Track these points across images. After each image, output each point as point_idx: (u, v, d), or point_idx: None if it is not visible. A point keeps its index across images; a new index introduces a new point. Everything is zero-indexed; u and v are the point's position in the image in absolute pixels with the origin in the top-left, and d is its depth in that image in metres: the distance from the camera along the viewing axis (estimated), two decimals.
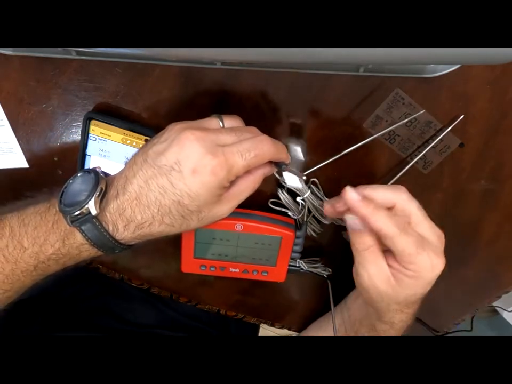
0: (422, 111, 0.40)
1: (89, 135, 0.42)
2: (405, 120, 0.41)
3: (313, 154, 0.43)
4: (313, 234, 0.47)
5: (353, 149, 0.41)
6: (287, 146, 0.40)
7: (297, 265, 0.49)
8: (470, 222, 0.48)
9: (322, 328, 0.53)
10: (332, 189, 0.44)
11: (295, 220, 0.45)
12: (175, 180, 0.31)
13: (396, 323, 0.40)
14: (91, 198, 0.31)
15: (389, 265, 0.35)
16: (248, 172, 0.34)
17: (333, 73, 0.38)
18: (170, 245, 0.48)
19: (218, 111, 0.36)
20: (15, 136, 0.43)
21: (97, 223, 0.31)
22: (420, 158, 0.43)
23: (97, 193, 0.31)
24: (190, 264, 0.47)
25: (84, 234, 0.32)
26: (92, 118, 0.41)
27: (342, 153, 0.41)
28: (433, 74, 0.38)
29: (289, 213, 0.45)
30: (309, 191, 0.43)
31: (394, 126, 0.41)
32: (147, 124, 0.41)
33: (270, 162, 0.36)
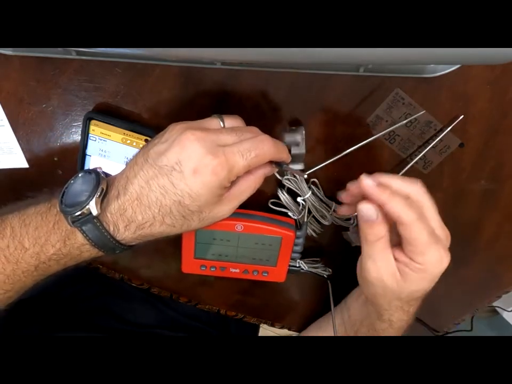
0: (422, 111, 0.40)
1: (89, 135, 0.42)
2: (405, 121, 0.41)
3: (313, 154, 0.43)
4: (314, 234, 0.47)
5: (353, 149, 0.41)
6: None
7: (298, 265, 0.49)
8: (470, 222, 0.48)
9: (322, 329, 0.53)
10: (332, 189, 0.45)
11: (295, 220, 0.45)
12: (176, 180, 0.31)
13: (394, 322, 0.40)
14: (92, 198, 0.31)
15: (396, 259, 0.35)
16: (248, 172, 0.34)
17: (333, 73, 0.38)
18: (170, 245, 0.48)
19: (219, 111, 0.36)
20: (15, 136, 0.43)
21: (98, 224, 0.31)
22: (420, 158, 0.43)
23: (98, 193, 0.31)
24: (190, 265, 0.47)
25: (84, 234, 0.32)
26: (91, 118, 0.41)
27: (342, 154, 0.41)
28: (433, 74, 0.38)
29: (290, 213, 0.45)
30: (310, 192, 0.43)
31: (394, 126, 0.41)
32: (147, 124, 0.41)
33: (271, 162, 0.36)
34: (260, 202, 0.45)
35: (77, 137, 0.43)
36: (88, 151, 0.42)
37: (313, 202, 0.44)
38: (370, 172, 0.42)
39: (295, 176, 0.42)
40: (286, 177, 0.42)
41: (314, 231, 0.47)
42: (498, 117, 0.41)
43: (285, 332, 0.59)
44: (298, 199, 0.44)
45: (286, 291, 0.54)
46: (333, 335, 0.46)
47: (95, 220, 0.31)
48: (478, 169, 0.44)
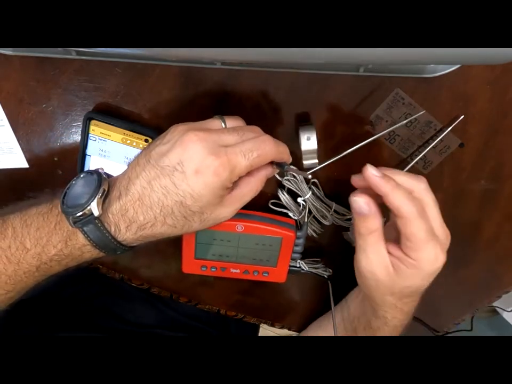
0: (422, 112, 0.40)
1: (89, 135, 0.42)
2: (405, 121, 0.41)
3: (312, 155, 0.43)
4: (314, 235, 0.47)
5: (353, 149, 0.41)
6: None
7: (298, 265, 0.49)
8: (470, 222, 0.48)
9: (322, 327, 0.53)
10: (332, 189, 0.45)
11: (295, 220, 0.45)
12: (178, 180, 0.31)
13: (389, 319, 0.40)
14: (93, 199, 0.31)
15: (390, 253, 0.35)
16: (250, 174, 0.35)
17: (333, 73, 0.38)
18: (170, 245, 0.48)
19: (219, 111, 0.36)
20: (15, 136, 0.43)
21: (99, 224, 0.31)
22: (420, 158, 0.43)
23: (100, 194, 0.31)
24: (190, 265, 0.47)
25: (86, 235, 0.32)
26: (91, 118, 0.41)
27: (342, 154, 0.41)
28: (433, 74, 0.38)
29: (290, 214, 0.45)
30: (310, 192, 0.43)
31: (394, 126, 0.41)
32: (147, 124, 0.41)
33: (271, 163, 0.36)
34: (260, 203, 0.45)
35: (77, 137, 0.43)
36: (88, 151, 0.42)
37: (313, 203, 0.44)
38: None
39: (295, 177, 0.42)
40: (286, 177, 0.42)
41: (314, 231, 0.47)
42: (498, 117, 0.41)
43: (285, 332, 0.59)
44: (299, 199, 0.44)
45: (286, 291, 0.54)
46: (332, 333, 0.46)
47: (96, 221, 0.31)
48: (478, 169, 0.44)
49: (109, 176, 0.34)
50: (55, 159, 0.44)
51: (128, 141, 0.41)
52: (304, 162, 0.40)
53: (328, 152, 0.42)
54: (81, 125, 0.41)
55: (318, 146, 0.40)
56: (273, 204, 0.45)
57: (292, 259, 0.47)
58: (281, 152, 0.35)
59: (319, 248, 0.49)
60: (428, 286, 0.37)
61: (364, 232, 0.35)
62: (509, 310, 1.07)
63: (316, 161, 0.40)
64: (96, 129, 0.41)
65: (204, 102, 0.40)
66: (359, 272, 0.37)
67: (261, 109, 0.41)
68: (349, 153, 0.41)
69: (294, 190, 0.43)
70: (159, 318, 0.56)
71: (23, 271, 0.33)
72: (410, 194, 0.34)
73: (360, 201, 0.34)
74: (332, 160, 0.40)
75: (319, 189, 0.44)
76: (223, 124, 0.35)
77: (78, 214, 0.31)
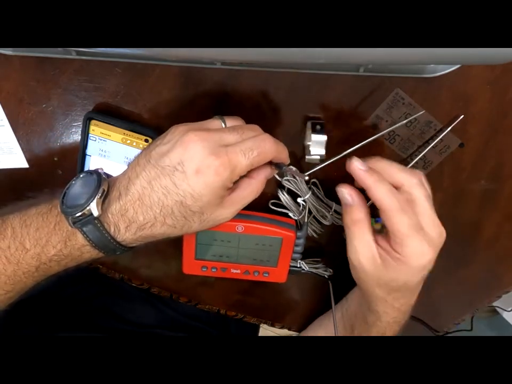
0: (422, 111, 0.40)
1: (89, 135, 0.42)
2: (405, 121, 0.41)
3: None
4: (314, 235, 0.47)
5: (353, 149, 0.41)
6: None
7: (299, 265, 0.49)
8: (470, 222, 0.48)
9: (323, 326, 0.53)
10: (332, 189, 0.44)
11: (295, 220, 0.45)
12: (179, 180, 0.31)
13: (381, 314, 0.40)
14: (93, 199, 0.31)
15: (379, 245, 0.36)
16: (251, 176, 0.35)
17: (333, 73, 0.38)
18: (170, 245, 0.48)
19: (219, 111, 0.36)
20: (15, 136, 0.43)
21: (98, 225, 0.31)
22: (420, 158, 0.43)
23: (99, 194, 0.31)
24: (191, 266, 0.47)
25: (85, 235, 0.32)
26: (92, 118, 0.41)
27: (342, 154, 0.41)
28: (433, 74, 0.38)
29: (290, 214, 0.45)
30: (310, 192, 0.43)
31: (394, 126, 0.41)
32: (147, 124, 0.41)
33: (270, 163, 0.36)
34: (260, 203, 0.45)
35: (77, 137, 0.43)
36: (88, 151, 0.42)
37: (313, 203, 0.44)
38: None
39: (295, 177, 0.42)
40: (285, 178, 0.42)
41: (314, 231, 0.47)
42: (498, 117, 0.41)
43: (285, 332, 0.59)
44: (299, 199, 0.44)
45: (286, 291, 0.54)
46: (333, 332, 0.46)
47: (95, 221, 0.31)
48: (478, 169, 0.44)
49: (108, 176, 0.34)
50: (55, 159, 0.44)
51: (128, 141, 0.41)
52: (312, 151, 0.40)
53: (328, 153, 0.42)
54: (81, 125, 0.41)
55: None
56: (273, 204, 0.45)
57: (292, 259, 0.47)
58: (280, 151, 0.35)
59: (319, 248, 0.49)
60: (419, 283, 0.37)
61: (348, 223, 0.36)
62: (509, 310, 1.07)
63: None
64: (96, 129, 0.41)
65: (204, 102, 0.40)
66: (349, 263, 0.38)
67: (261, 109, 0.41)
68: (349, 153, 0.41)
69: (294, 190, 0.43)
70: (159, 318, 0.56)
71: (22, 271, 0.33)
72: (395, 189, 0.34)
73: (343, 192, 0.36)
74: (331, 160, 0.40)
75: (319, 189, 0.44)
76: (223, 124, 0.35)
77: (78, 214, 0.31)
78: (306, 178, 0.40)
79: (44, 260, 0.33)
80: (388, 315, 0.40)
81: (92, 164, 0.43)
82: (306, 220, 0.44)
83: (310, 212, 0.45)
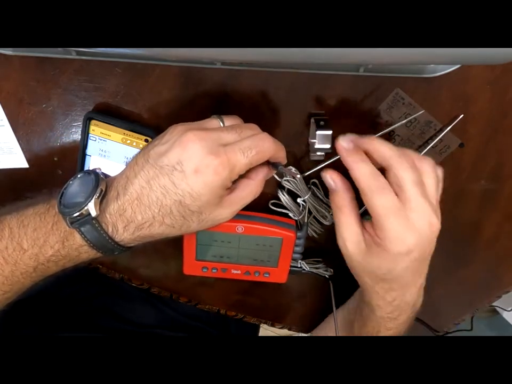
0: (421, 111, 0.40)
1: (89, 135, 0.42)
2: (405, 120, 0.41)
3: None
4: (314, 235, 0.47)
5: None
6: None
7: (299, 266, 0.49)
8: (470, 222, 0.48)
9: (331, 324, 0.52)
10: None
11: (295, 221, 0.45)
12: (177, 179, 0.31)
13: (374, 307, 0.39)
14: (91, 199, 0.31)
15: (366, 231, 0.35)
16: (249, 177, 0.35)
17: (333, 73, 0.38)
18: (170, 245, 0.48)
19: (219, 111, 0.36)
20: (15, 136, 0.43)
21: (96, 225, 0.31)
22: None
23: (97, 194, 0.31)
24: (191, 266, 0.47)
25: (83, 236, 0.32)
26: (92, 118, 0.41)
27: None
28: (433, 74, 0.38)
29: (290, 214, 0.45)
30: (310, 192, 0.43)
31: (394, 126, 0.41)
32: (147, 124, 0.41)
33: (268, 163, 0.36)
34: (260, 204, 0.45)
35: (77, 137, 0.43)
36: (88, 151, 0.42)
37: (313, 203, 0.44)
38: None
39: (294, 177, 0.42)
40: (285, 178, 0.42)
41: (315, 231, 0.47)
42: (498, 117, 0.41)
43: (285, 332, 0.59)
44: (299, 199, 0.44)
45: (286, 291, 0.54)
46: (340, 330, 0.46)
47: (93, 221, 0.31)
48: (478, 169, 0.44)
49: (106, 176, 0.34)
50: (55, 159, 0.44)
51: (128, 141, 0.41)
52: (317, 146, 0.40)
53: (328, 153, 0.42)
54: (81, 125, 0.41)
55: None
56: (273, 204, 0.45)
57: (293, 259, 0.47)
58: (278, 150, 0.35)
59: (319, 248, 0.49)
60: (404, 273, 0.35)
61: (334, 208, 0.36)
62: (509, 309, 1.07)
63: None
64: (96, 129, 0.41)
65: (204, 102, 0.40)
66: (340, 250, 0.37)
67: (260, 109, 0.41)
68: None
69: (294, 190, 0.43)
70: (159, 318, 0.56)
71: (20, 272, 0.33)
72: (376, 170, 0.33)
73: (326, 177, 0.36)
74: (331, 160, 0.40)
75: (319, 189, 0.44)
76: (221, 123, 0.35)
77: (75, 215, 0.31)
78: (299, 176, 0.40)
79: (41, 260, 0.33)
80: (380, 309, 0.39)
81: (91, 163, 0.43)
82: (306, 220, 0.44)
83: (310, 212, 0.45)
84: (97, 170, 0.33)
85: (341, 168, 0.43)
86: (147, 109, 0.41)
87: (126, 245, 0.34)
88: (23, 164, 0.44)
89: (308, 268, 0.49)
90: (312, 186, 0.44)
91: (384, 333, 0.41)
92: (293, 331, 0.58)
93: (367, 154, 0.34)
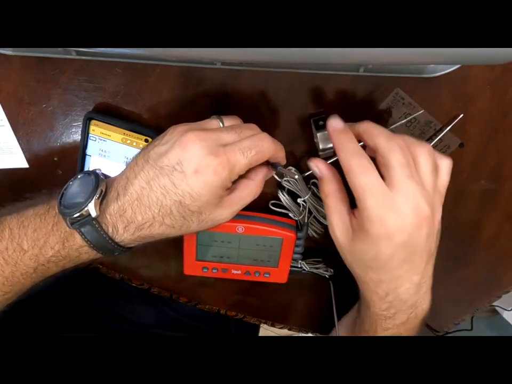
0: (421, 111, 0.40)
1: (89, 135, 0.42)
2: (405, 120, 0.41)
3: (313, 155, 0.43)
4: (315, 235, 0.47)
5: None
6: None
7: (299, 266, 0.49)
8: (470, 222, 0.48)
9: (343, 323, 0.52)
10: None
11: (296, 221, 0.45)
12: (177, 180, 0.31)
13: (368, 302, 0.39)
14: (91, 200, 0.31)
15: (355, 218, 0.35)
16: (249, 177, 0.35)
17: (333, 73, 0.38)
18: (170, 245, 0.48)
19: (219, 111, 0.36)
20: (15, 136, 0.43)
21: (96, 225, 0.31)
22: None
23: (97, 195, 0.31)
24: (192, 267, 0.47)
25: (83, 236, 0.32)
26: (91, 118, 0.41)
27: None
28: (433, 74, 0.38)
29: (290, 214, 0.45)
30: (310, 192, 0.43)
31: (394, 126, 0.41)
32: (147, 124, 0.41)
33: (267, 164, 0.36)
34: (260, 204, 0.45)
35: (77, 137, 0.43)
36: (88, 151, 0.42)
37: (313, 203, 0.44)
38: None
39: (292, 177, 0.42)
40: (285, 178, 0.42)
41: (315, 231, 0.47)
42: (498, 117, 0.41)
43: (285, 332, 0.59)
44: (299, 200, 0.44)
45: (286, 291, 0.54)
46: (354, 329, 0.45)
47: (93, 222, 0.31)
48: (478, 169, 0.44)
49: (106, 177, 0.34)
50: (55, 159, 0.44)
51: (128, 141, 0.41)
52: (321, 146, 0.40)
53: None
54: (81, 125, 0.41)
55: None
56: (273, 204, 0.45)
57: (293, 259, 0.47)
58: (278, 150, 0.35)
59: (319, 248, 0.49)
60: (390, 260, 0.34)
61: (322, 196, 0.36)
62: (509, 309, 1.08)
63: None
64: (96, 129, 0.41)
65: (204, 102, 0.40)
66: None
67: (261, 109, 0.41)
68: None
69: (294, 190, 0.43)
70: (159, 318, 0.56)
71: (20, 273, 0.33)
72: (362, 150, 0.33)
73: (311, 164, 0.36)
74: (331, 160, 0.40)
75: (319, 189, 0.44)
76: (220, 124, 0.35)
77: (75, 215, 0.31)
78: (296, 177, 0.40)
79: (41, 261, 0.33)
80: (375, 304, 0.38)
81: (92, 163, 0.43)
82: (306, 220, 0.44)
83: (310, 212, 0.45)
84: (97, 171, 0.33)
85: (340, 169, 0.43)
86: (147, 109, 0.41)
87: (126, 245, 0.34)
88: (23, 164, 0.44)
89: (308, 268, 0.49)
90: (312, 186, 0.44)
91: (381, 333, 0.40)
92: (293, 331, 0.58)
93: (362, 140, 0.34)
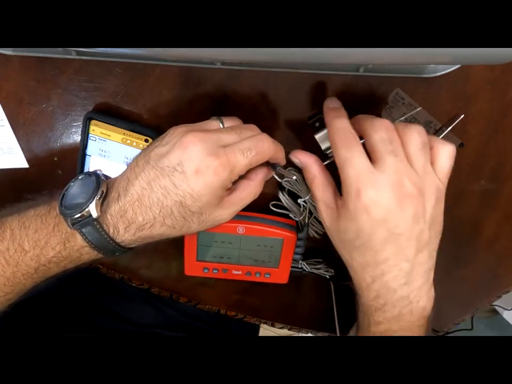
0: (419, 108, 0.40)
1: (89, 135, 0.42)
2: (405, 120, 0.41)
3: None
4: (315, 235, 0.47)
5: None
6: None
7: (300, 266, 0.49)
8: (470, 222, 0.48)
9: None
10: None
11: (296, 221, 0.45)
12: (178, 180, 0.31)
13: (359, 292, 0.38)
14: (92, 200, 0.31)
15: (340, 199, 0.34)
16: (249, 178, 0.35)
17: (333, 73, 0.38)
18: (170, 245, 0.48)
19: (218, 111, 0.36)
20: (15, 136, 0.43)
21: (98, 226, 0.31)
22: None
23: (98, 196, 0.31)
24: (193, 267, 0.47)
25: (84, 237, 0.32)
26: (92, 118, 0.41)
27: None
28: (433, 74, 0.38)
29: (291, 215, 0.45)
30: (310, 193, 0.43)
31: None
32: (147, 124, 0.41)
33: (267, 164, 0.36)
34: (261, 204, 0.45)
35: (77, 137, 0.43)
36: (88, 151, 0.42)
37: (313, 203, 0.44)
38: None
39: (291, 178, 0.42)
40: (286, 179, 0.42)
41: (316, 232, 0.47)
42: (498, 117, 0.41)
43: (285, 332, 0.59)
44: (299, 200, 0.44)
45: (286, 291, 0.54)
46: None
47: (95, 222, 0.31)
48: (478, 169, 0.44)
49: (107, 177, 0.34)
50: (55, 159, 0.44)
51: (128, 141, 0.41)
52: (322, 146, 0.39)
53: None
54: (81, 125, 0.41)
55: (318, 146, 0.40)
56: (273, 205, 0.45)
57: (294, 260, 0.47)
58: (278, 150, 0.35)
59: (320, 248, 0.49)
60: (373, 240, 0.33)
61: (309, 185, 0.37)
62: (509, 308, 1.08)
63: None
64: (96, 129, 0.41)
65: (203, 102, 0.40)
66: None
67: (260, 109, 0.41)
68: None
69: (294, 191, 0.43)
70: (159, 318, 0.56)
71: (21, 273, 0.33)
72: (351, 128, 0.33)
73: (291, 157, 0.37)
74: (331, 160, 0.40)
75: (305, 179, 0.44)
76: (220, 125, 0.35)
77: (76, 216, 0.31)
78: (294, 177, 0.40)
79: (43, 262, 0.33)
80: (363, 293, 0.37)
81: (92, 164, 0.43)
82: (307, 221, 0.44)
83: (310, 213, 0.45)
84: (98, 172, 0.34)
85: None
86: (147, 109, 0.41)
87: (127, 245, 0.34)
88: (23, 164, 0.44)
89: (309, 269, 0.49)
90: None
91: (374, 327, 0.38)
92: (293, 331, 0.58)
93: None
